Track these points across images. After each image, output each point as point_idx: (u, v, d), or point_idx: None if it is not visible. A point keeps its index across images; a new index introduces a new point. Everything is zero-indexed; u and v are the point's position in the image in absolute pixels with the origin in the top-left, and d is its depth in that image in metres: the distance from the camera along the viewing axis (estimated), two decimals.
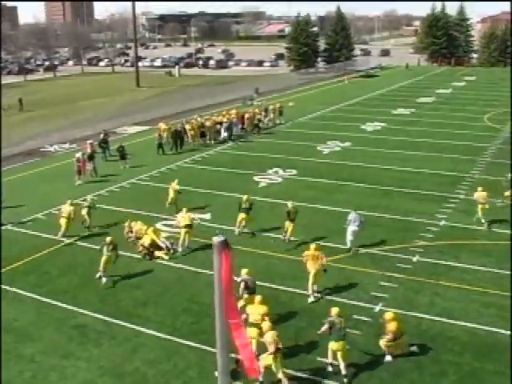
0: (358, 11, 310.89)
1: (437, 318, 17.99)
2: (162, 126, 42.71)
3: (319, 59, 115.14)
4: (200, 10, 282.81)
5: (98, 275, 20.73)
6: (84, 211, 25.21)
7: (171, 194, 27.44)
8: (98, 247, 21.19)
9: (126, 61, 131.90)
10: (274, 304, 17.75)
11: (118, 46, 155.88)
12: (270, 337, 14.46)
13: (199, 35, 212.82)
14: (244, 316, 15.48)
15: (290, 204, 23.68)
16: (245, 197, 24.68)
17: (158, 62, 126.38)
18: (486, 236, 24.27)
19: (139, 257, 22.53)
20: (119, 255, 21.15)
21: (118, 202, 29.19)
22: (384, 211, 27.35)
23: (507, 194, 27.77)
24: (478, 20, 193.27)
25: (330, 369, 15.33)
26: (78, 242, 24.10)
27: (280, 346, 14.51)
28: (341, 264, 21.53)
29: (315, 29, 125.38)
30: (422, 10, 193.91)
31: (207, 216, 26.55)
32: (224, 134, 43.72)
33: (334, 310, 15.50)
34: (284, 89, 75.84)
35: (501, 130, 47.61)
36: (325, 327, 15.36)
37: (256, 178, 33.28)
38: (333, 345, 15.24)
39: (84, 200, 27.24)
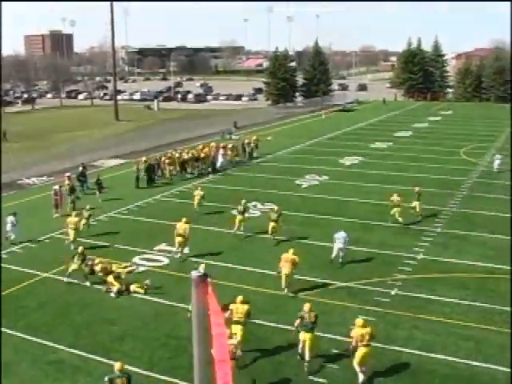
0: (335, 46, 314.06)
1: (416, 352, 17.98)
2: (143, 159, 42.89)
3: (297, 94, 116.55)
4: (179, 44, 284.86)
5: (65, 278, 22.86)
6: (82, 222, 28.08)
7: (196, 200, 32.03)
8: (74, 280, 20.95)
9: (105, 94, 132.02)
10: (251, 339, 17.61)
11: (97, 79, 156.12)
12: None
13: (178, 69, 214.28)
14: (227, 314, 16.88)
15: (275, 207, 29.56)
16: (243, 201, 29.98)
17: (136, 96, 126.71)
18: (463, 269, 24.43)
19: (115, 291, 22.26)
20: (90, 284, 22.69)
21: (95, 235, 28.93)
22: (362, 245, 27.43)
23: (413, 205, 31.63)
24: (453, 56, 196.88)
25: (298, 357, 17.21)
26: (54, 276, 23.80)
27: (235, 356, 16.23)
28: (318, 298, 21.47)
29: (293, 64, 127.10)
30: (399, 45, 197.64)
31: (186, 250, 26.41)
32: (221, 161, 45.14)
33: (306, 306, 17.28)
34: (262, 123, 76.37)
35: (477, 163, 48.30)
36: (297, 321, 17.21)
37: (235, 212, 33.22)
38: (302, 335, 17.09)
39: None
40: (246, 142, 51.21)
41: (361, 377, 16.17)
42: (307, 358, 16.87)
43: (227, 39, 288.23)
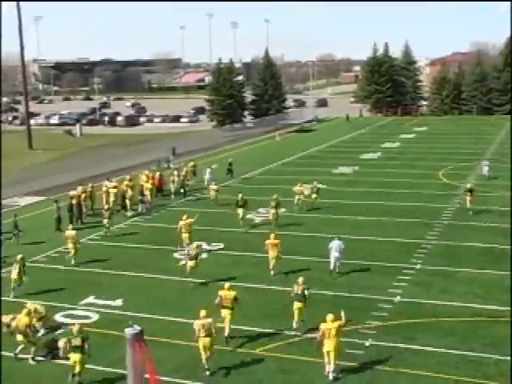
0: (288, 56, 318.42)
1: None
2: (72, 193, 42.82)
3: (246, 113, 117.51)
4: (104, 57, 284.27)
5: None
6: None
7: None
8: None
9: (15, 118, 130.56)
10: None
11: (4, 99, 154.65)
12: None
13: (104, 87, 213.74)
14: (217, 300, 22.56)
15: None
16: (240, 195, 39.08)
17: (54, 119, 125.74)
18: (449, 312, 24.71)
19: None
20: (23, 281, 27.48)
21: (8, 290, 28.21)
22: (329, 287, 27.61)
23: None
24: (427, 63, 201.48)
25: (294, 325, 23.26)
26: None
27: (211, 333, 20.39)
28: (282, 353, 21.47)
29: (240, 77, 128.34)
30: (363, 52, 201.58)
31: (118, 302, 26.08)
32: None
33: (300, 280, 23.56)
34: (206, 148, 76.56)
35: (459, 186, 49.29)
36: (292, 294, 23.42)
37: (176, 255, 33.15)
38: (294, 304, 23.31)
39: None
40: (185, 169, 52.07)
41: (330, 375, 19.74)
42: (294, 326, 23.30)
43: (161, 51, 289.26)
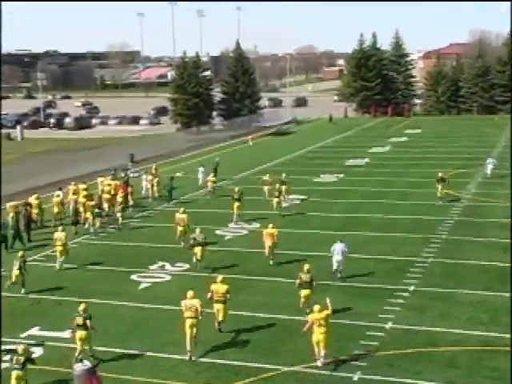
0: (263, 48, 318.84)
1: None
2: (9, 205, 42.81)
3: (214, 113, 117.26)
4: (49, 48, 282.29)
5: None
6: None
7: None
8: None
9: None
10: None
11: None
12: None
13: (49, 83, 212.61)
14: (209, 294, 25.72)
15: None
16: (236, 188, 45.28)
17: None
18: (448, 340, 24.72)
19: None
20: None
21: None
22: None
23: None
24: (420, 55, 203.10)
25: (307, 311, 25.99)
26: None
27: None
28: None
29: (208, 73, 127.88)
30: (347, 44, 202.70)
31: (66, 334, 25.83)
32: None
33: (305, 267, 27.66)
34: (169, 154, 76.30)
35: (459, 196, 49.81)
36: (297, 282, 27.44)
37: (135, 277, 33.01)
38: (301, 292, 27.33)
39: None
40: (149, 178, 52.71)
41: (319, 359, 22.84)
42: (301, 306, 27.37)
43: (116, 42, 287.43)
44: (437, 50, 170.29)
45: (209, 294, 25.74)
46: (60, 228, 36.10)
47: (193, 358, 23.54)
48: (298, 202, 49.78)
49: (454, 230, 40.37)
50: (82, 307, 24.06)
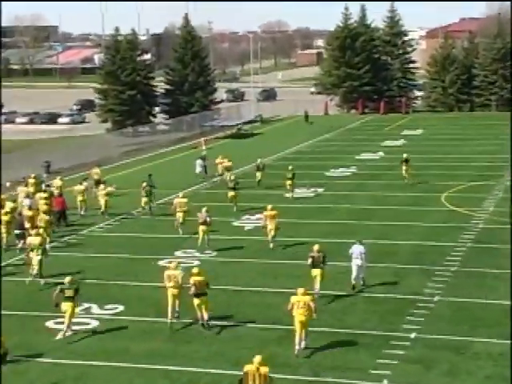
0: (219, 25, 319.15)
1: None
2: None
3: (157, 109, 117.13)
4: None
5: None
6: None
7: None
8: None
9: None
10: None
11: None
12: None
13: None
14: (192, 289, 31.04)
15: (259, 160, 63.13)
16: (232, 176, 56.12)
17: None
18: None
19: None
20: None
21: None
22: (290, 368, 27.41)
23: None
24: (423, 34, 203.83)
25: (316, 291, 34.36)
26: None
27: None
28: None
29: (147, 57, 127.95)
30: (328, 21, 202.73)
31: None
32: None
33: (316, 247, 34.79)
34: (97, 162, 75.54)
35: (472, 215, 50.02)
36: (309, 260, 34.62)
37: (48, 324, 32.89)
38: (313, 271, 34.62)
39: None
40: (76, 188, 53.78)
41: (297, 339, 28.52)
42: (316, 290, 34.44)
43: (24, 13, 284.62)
44: (444, 27, 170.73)
45: (191, 290, 31.14)
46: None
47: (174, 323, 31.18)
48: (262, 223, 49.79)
49: (466, 260, 40.43)
50: (68, 279, 31.43)
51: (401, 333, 30.60)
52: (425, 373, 26.91)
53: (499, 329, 30.69)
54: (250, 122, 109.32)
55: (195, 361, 28.35)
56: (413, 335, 30.38)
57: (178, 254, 43.14)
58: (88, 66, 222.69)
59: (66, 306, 30.94)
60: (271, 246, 43.53)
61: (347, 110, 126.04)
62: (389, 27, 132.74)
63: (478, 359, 28.02)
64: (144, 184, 53.88)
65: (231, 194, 53.94)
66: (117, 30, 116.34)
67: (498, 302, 33.88)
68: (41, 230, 42.34)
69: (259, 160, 64.03)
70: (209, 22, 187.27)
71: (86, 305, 34.73)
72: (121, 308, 34.66)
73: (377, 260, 40.34)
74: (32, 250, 38.97)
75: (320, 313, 31.37)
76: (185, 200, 48.13)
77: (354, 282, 35.95)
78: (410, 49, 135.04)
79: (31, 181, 56.19)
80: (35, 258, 38.49)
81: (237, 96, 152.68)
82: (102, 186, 54.26)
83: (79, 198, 53.07)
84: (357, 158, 76.04)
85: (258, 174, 62.50)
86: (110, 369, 27.82)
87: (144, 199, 53.42)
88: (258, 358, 22.99)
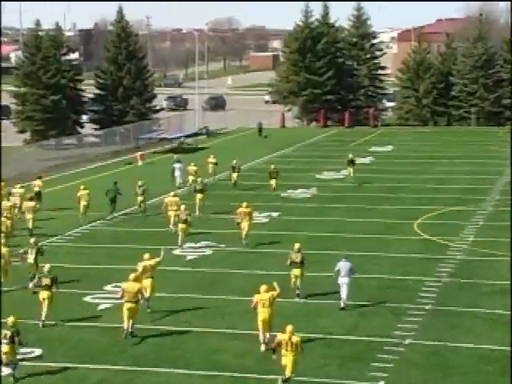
0: (158, 22, 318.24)
1: None
2: None
3: (85, 118, 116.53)
4: None
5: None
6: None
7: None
8: None
9: None
10: None
11: None
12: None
13: None
14: (119, 294, 34.75)
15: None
16: (199, 179, 63.25)
17: None
18: None
19: None
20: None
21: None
22: None
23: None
24: (394, 36, 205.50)
25: (297, 292, 39.73)
26: None
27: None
28: None
29: (74, 56, 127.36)
30: (286, 18, 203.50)
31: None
32: None
33: (296, 245, 39.63)
34: (13, 179, 75.01)
35: (448, 245, 50.48)
36: (288, 261, 39.44)
37: None
38: (293, 271, 39.46)
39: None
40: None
41: (263, 346, 32.63)
42: (297, 292, 39.70)
43: None
44: (418, 29, 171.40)
45: (119, 294, 35.34)
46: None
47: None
48: (207, 252, 50.44)
49: (441, 297, 40.59)
50: (47, 267, 37.21)
51: (365, 382, 30.60)
52: None
53: (476, 376, 30.96)
54: (194, 134, 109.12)
55: None
56: None
57: (107, 288, 43.06)
58: (3, 65, 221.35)
59: (44, 295, 35.97)
60: (244, 242, 50.34)
61: (307, 122, 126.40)
62: (355, 28, 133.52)
63: None
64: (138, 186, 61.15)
65: (198, 196, 60.36)
66: (37, 23, 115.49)
67: (476, 346, 34.04)
68: None
69: (234, 161, 71.88)
70: (147, 18, 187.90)
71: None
72: (38, 352, 34.15)
73: (337, 296, 40.52)
74: None
75: (268, 358, 31.51)
76: (176, 199, 54.42)
77: (343, 304, 38.57)
78: (379, 53, 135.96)
79: None
80: None
81: (179, 104, 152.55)
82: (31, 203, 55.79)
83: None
84: (318, 177, 76.36)
85: (234, 175, 71.38)
86: None
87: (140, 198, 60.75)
88: (290, 328, 29.09)
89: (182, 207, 50.74)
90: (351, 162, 72.37)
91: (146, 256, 38.34)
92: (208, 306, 40.11)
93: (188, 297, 41.35)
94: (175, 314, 38.74)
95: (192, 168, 70.62)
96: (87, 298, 41.31)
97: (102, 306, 40.42)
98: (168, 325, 37.13)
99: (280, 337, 29.04)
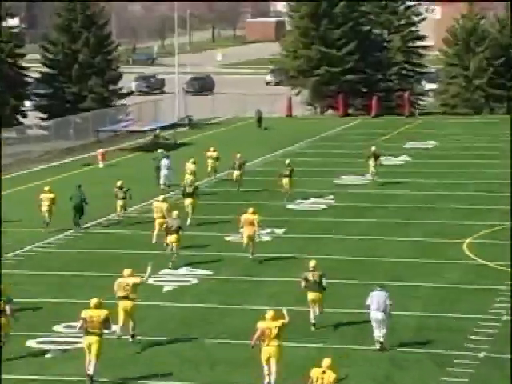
0: None
1: None
2: None
3: (29, 105, 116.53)
4: None
5: None
6: None
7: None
8: None
9: None
10: None
11: None
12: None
13: None
14: (80, 324, 35.10)
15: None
16: (189, 179, 70.58)
17: None
18: None
19: None
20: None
21: None
22: None
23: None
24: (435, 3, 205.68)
25: (312, 320, 40.50)
26: None
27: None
28: None
29: (14, 22, 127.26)
30: None
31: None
32: None
33: (311, 263, 40.66)
34: None
35: (506, 271, 50.26)
36: (302, 283, 40.32)
37: None
38: (309, 295, 40.22)
39: None
40: None
41: (266, 379, 32.87)
42: (317, 312, 40.59)
43: None
44: None
45: (79, 324, 35.68)
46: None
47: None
48: (195, 281, 50.54)
49: (499, 342, 39.80)
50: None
51: None
52: None
53: None
54: (173, 126, 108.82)
55: None
56: None
57: (57, 328, 43.07)
58: None
59: None
60: (250, 257, 53.46)
61: (321, 109, 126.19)
62: None
63: None
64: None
65: (188, 201, 63.65)
66: None
67: None
68: None
69: (238, 155, 76.04)
70: None
71: None
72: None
73: (363, 340, 40.31)
74: None
75: None
76: (165, 205, 57.98)
77: (381, 339, 38.61)
78: (416, 18, 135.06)
79: None
80: None
81: (153, 86, 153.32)
82: None
83: None
84: (336, 182, 76.54)
85: (237, 173, 75.32)
86: None
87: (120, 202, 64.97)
88: (326, 362, 29.15)
89: (174, 213, 53.15)
90: (374, 156, 74.71)
91: (127, 272, 39.07)
92: (193, 352, 39.90)
93: (166, 340, 41.31)
94: (150, 363, 38.37)
95: (190, 166, 72.64)
96: (30, 343, 41.21)
97: (49, 354, 40.31)
98: (142, 378, 36.88)
99: (313, 372, 28.54)
